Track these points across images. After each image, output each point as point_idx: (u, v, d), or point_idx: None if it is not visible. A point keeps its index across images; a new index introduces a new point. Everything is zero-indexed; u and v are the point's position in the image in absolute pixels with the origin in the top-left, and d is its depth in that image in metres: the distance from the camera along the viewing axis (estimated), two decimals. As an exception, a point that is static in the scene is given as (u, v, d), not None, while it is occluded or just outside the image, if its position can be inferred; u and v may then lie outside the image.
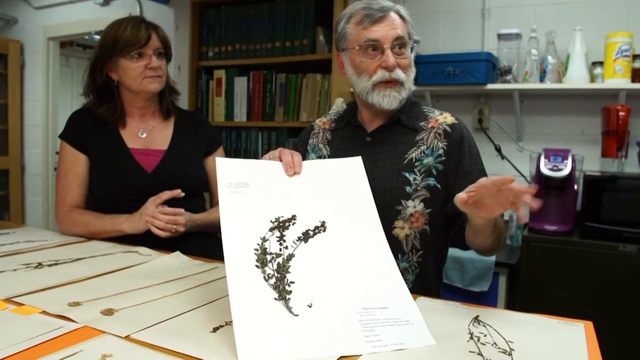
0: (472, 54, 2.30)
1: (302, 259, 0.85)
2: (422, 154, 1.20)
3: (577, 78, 2.14)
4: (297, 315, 0.77)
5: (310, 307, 0.78)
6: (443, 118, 1.24)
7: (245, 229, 0.86)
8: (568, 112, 2.35)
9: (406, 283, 0.90)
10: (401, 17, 1.18)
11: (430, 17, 2.59)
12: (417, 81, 2.19)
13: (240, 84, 2.70)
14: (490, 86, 2.25)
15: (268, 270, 0.81)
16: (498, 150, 2.49)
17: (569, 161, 2.01)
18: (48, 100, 3.81)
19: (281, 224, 0.89)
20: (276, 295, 0.78)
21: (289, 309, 0.77)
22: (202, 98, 2.83)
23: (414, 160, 1.20)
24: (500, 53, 2.31)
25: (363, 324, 0.78)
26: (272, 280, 0.80)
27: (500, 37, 2.30)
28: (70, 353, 0.68)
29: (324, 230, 0.91)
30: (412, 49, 1.20)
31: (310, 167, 1.02)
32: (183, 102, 1.71)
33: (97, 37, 3.65)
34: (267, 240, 0.86)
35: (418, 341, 0.77)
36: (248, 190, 0.92)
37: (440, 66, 2.27)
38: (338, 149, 1.29)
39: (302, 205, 0.93)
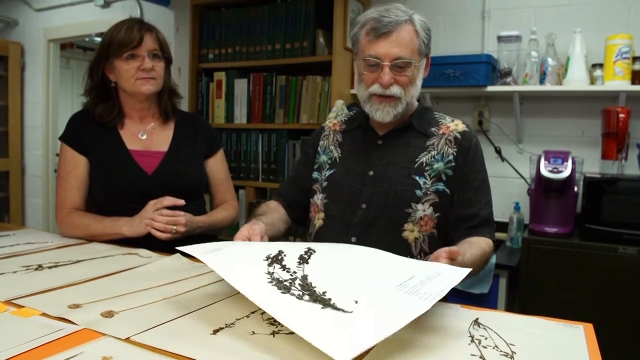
0: (472, 56, 2.30)
1: (316, 275, 0.86)
2: (433, 159, 1.22)
3: (577, 80, 2.14)
4: (351, 312, 0.75)
5: (357, 303, 0.77)
6: (454, 125, 1.27)
7: (247, 270, 0.86)
8: (568, 114, 2.35)
9: None
10: (415, 29, 1.19)
11: (430, 18, 2.54)
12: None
13: (241, 86, 2.70)
14: (490, 88, 2.25)
15: (296, 292, 0.80)
16: (498, 152, 2.48)
17: (569, 163, 2.01)
18: (48, 102, 3.81)
19: (274, 258, 0.91)
20: (321, 306, 0.76)
21: (340, 310, 0.75)
22: (202, 100, 2.82)
23: (424, 164, 1.21)
24: (500, 55, 2.32)
25: (408, 293, 0.79)
26: (307, 297, 0.78)
27: (500, 39, 2.31)
28: (71, 355, 0.68)
29: (314, 252, 0.95)
30: (426, 56, 1.24)
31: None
32: (183, 104, 1.71)
33: (98, 39, 3.66)
34: (274, 272, 0.86)
35: (458, 277, 0.85)
36: (225, 250, 0.95)
37: (440, 68, 2.27)
38: (349, 151, 1.31)
39: (281, 246, 0.97)
